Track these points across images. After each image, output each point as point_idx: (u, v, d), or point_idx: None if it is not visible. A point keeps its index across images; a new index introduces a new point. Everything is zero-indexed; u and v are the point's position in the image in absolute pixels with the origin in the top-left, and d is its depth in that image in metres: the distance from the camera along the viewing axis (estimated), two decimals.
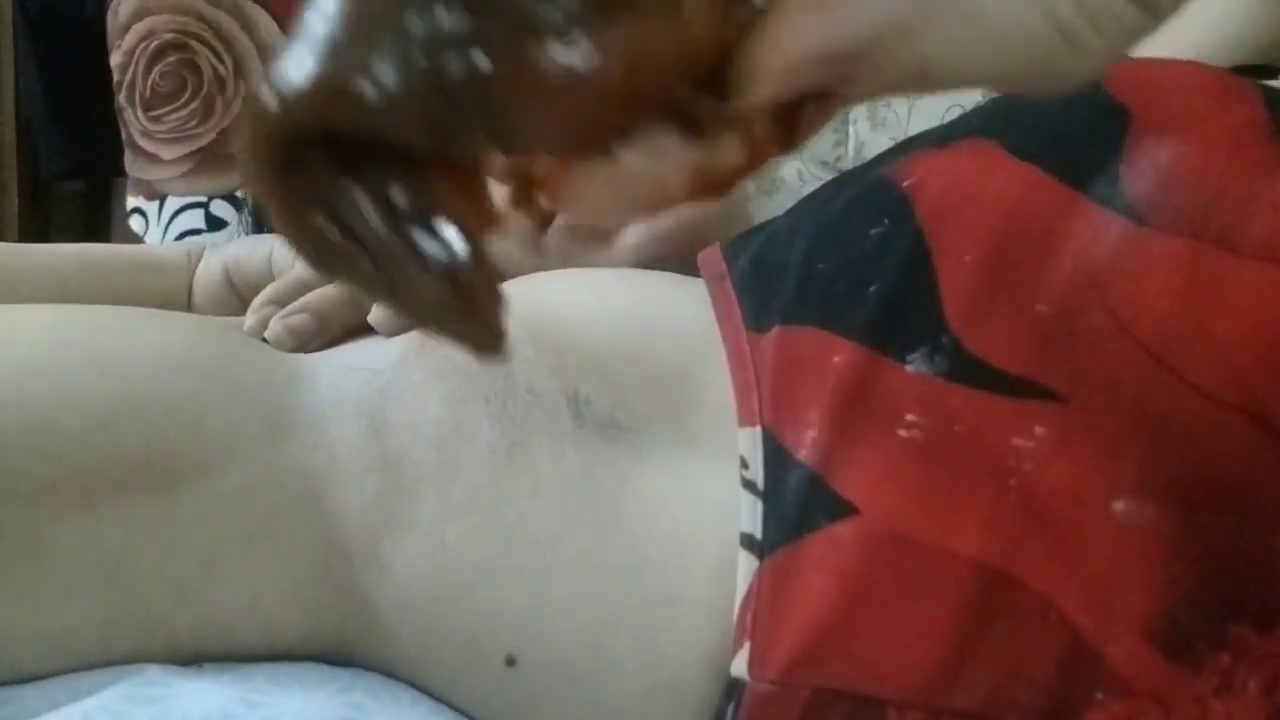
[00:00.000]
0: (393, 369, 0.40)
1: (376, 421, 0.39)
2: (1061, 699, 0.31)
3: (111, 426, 0.36)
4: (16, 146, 1.14)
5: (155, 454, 0.36)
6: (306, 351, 0.42)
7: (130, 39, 0.82)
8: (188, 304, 0.52)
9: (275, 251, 0.52)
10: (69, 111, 1.15)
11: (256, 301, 0.45)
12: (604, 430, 0.38)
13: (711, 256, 0.45)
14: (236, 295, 0.52)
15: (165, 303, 0.51)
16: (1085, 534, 0.32)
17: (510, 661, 0.36)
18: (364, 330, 0.43)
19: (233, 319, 0.45)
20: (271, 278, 0.50)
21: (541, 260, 0.52)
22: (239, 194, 0.80)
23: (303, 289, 0.45)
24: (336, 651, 0.38)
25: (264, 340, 0.43)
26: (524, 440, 0.38)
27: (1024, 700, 0.32)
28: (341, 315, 0.44)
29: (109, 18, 0.83)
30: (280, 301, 0.45)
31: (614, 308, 0.43)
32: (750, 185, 0.90)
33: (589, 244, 0.52)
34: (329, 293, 0.44)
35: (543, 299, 0.43)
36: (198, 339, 0.41)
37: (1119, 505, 0.32)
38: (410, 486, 0.37)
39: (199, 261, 0.54)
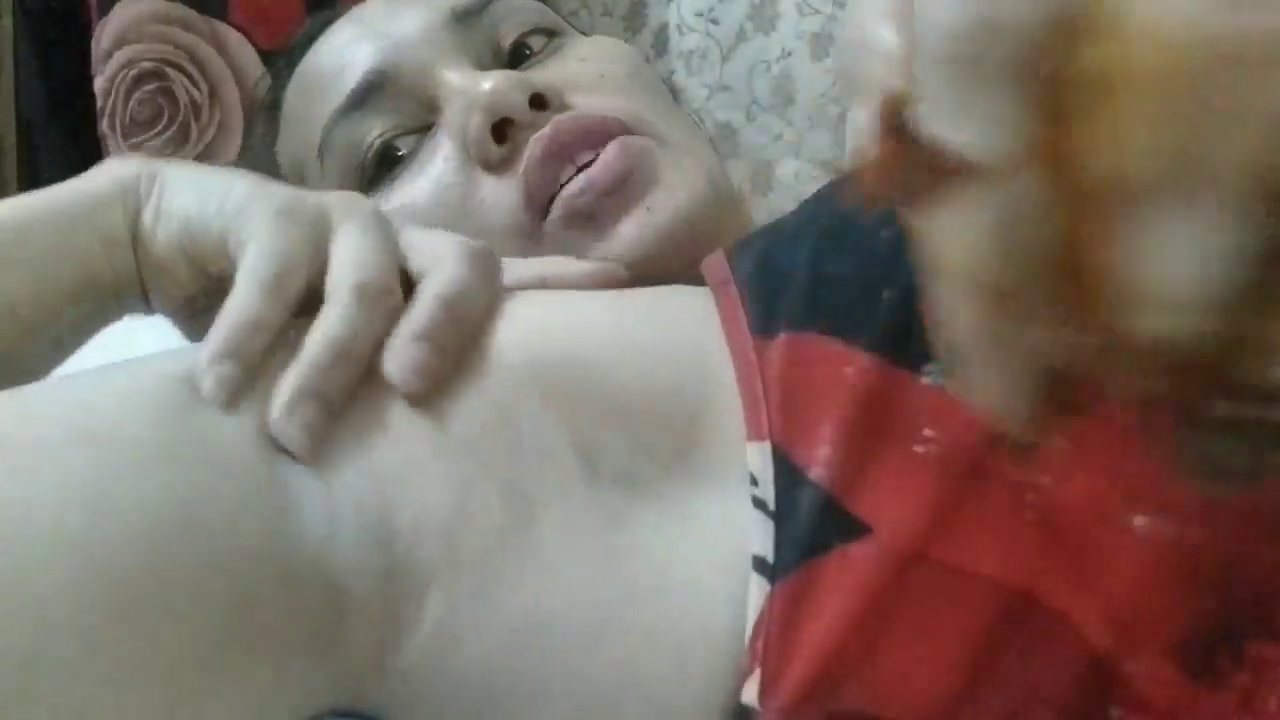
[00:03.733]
0: (392, 449, 0.36)
1: (380, 533, 0.35)
2: (1077, 716, 0.31)
3: (136, 622, 0.31)
4: (16, 146, 1.16)
5: (185, 647, 0.32)
6: (321, 448, 0.36)
7: (112, 66, 0.85)
8: (133, 258, 0.44)
9: (228, 227, 0.42)
10: (69, 111, 1.17)
11: (206, 353, 0.37)
12: (619, 483, 0.36)
13: (716, 261, 0.43)
14: (193, 267, 0.44)
15: (108, 263, 0.43)
16: (1105, 551, 0.32)
17: None
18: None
19: (182, 379, 0.37)
20: (227, 259, 0.41)
21: (538, 249, 0.52)
22: None
23: (258, 328, 0.37)
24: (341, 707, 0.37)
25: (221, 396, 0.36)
26: (533, 514, 0.35)
27: (1039, 719, 0.31)
28: (343, 385, 0.37)
29: (93, 44, 0.86)
30: (240, 357, 0.37)
31: (622, 332, 0.40)
32: (746, 185, 0.92)
33: (586, 235, 0.52)
34: (317, 362, 0.37)
35: (546, 331, 0.40)
36: (185, 494, 0.34)
37: (1139, 521, 0.31)
38: (417, 591, 0.35)
39: (136, 202, 0.44)
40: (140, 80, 0.84)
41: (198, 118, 0.83)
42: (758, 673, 0.33)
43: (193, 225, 0.43)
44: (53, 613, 0.31)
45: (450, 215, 0.54)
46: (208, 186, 0.44)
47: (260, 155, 0.67)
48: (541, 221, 0.53)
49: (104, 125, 0.86)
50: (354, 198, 0.45)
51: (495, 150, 0.53)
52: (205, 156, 0.83)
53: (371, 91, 0.57)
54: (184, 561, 0.32)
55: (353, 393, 0.37)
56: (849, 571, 0.33)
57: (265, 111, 0.67)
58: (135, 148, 0.84)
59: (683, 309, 0.42)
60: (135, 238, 0.43)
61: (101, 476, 0.33)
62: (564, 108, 0.55)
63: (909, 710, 0.32)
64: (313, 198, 0.43)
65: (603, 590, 0.35)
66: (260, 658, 0.33)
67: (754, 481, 0.35)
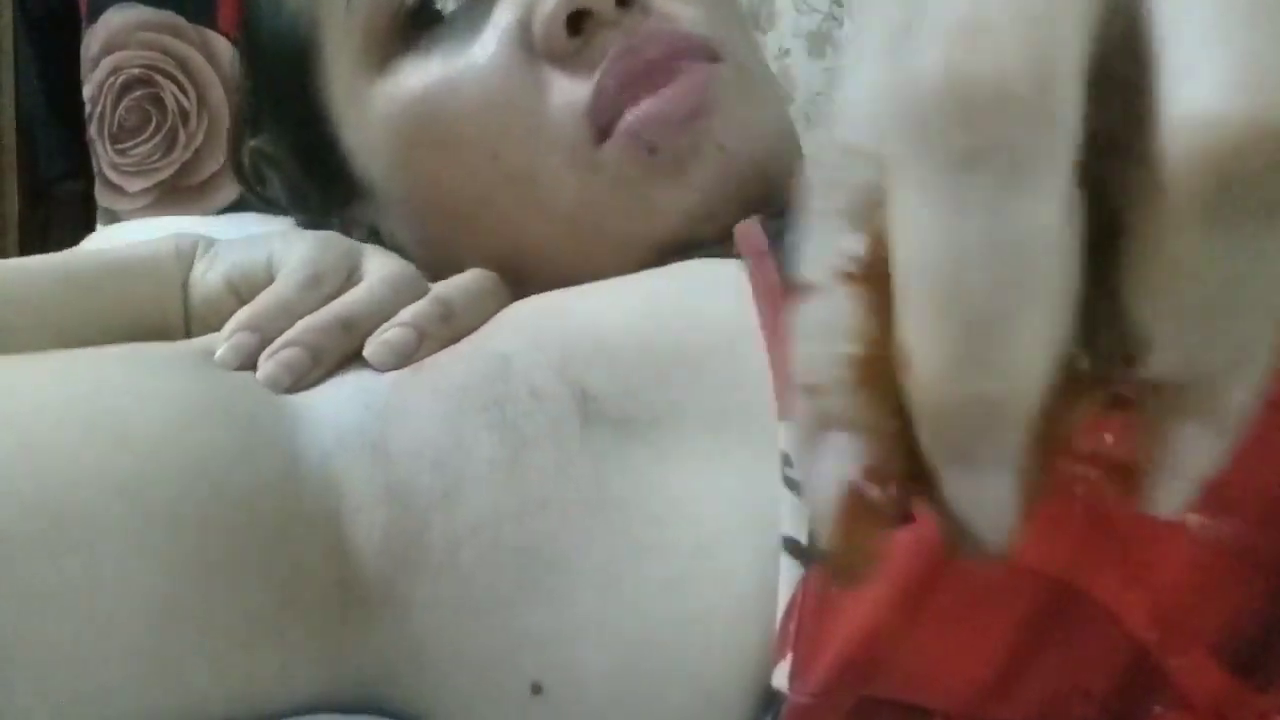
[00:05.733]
0: (391, 391, 0.39)
1: (379, 449, 0.37)
2: (1117, 712, 0.31)
3: (135, 499, 0.33)
4: (16, 146, 1.17)
5: (185, 526, 0.34)
6: (303, 387, 0.39)
7: (100, 73, 0.85)
8: (182, 304, 0.48)
9: (274, 253, 0.47)
10: (69, 111, 1.17)
11: (229, 327, 0.41)
12: (616, 428, 0.36)
13: (751, 230, 0.41)
14: (242, 302, 0.46)
15: (159, 308, 0.47)
16: (1156, 547, 0.31)
17: (536, 689, 0.35)
18: (358, 355, 0.41)
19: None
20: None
21: (595, 180, 0.48)
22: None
23: (284, 310, 0.42)
24: (353, 694, 0.37)
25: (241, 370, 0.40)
26: (526, 449, 0.36)
27: (1078, 712, 0.31)
28: (335, 344, 0.41)
29: (82, 50, 0.87)
30: (259, 328, 0.41)
31: (622, 293, 0.41)
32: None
33: (651, 171, 0.47)
34: (318, 321, 0.41)
35: (551, 297, 0.41)
36: (204, 385, 0.38)
37: (1193, 519, 0.31)
38: (419, 515, 0.36)
39: (191, 257, 0.49)
40: (128, 87, 0.84)
41: (185, 124, 0.84)
42: (789, 657, 0.32)
43: (242, 261, 0.47)
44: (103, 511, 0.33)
45: (501, 106, 0.48)
46: (256, 239, 0.49)
47: None
48: (600, 144, 0.47)
49: (91, 130, 0.87)
50: (384, 249, 0.49)
51: (567, 43, 0.47)
52: (193, 163, 0.84)
53: None
54: (197, 466, 0.35)
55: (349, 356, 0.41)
56: (889, 557, 0.31)
57: None
58: (122, 154, 0.85)
59: (706, 278, 0.41)
60: (186, 287, 0.48)
61: (143, 372, 0.38)
62: (649, 9, 0.49)
63: (946, 699, 0.31)
64: (347, 239, 0.48)
65: (606, 534, 0.35)
66: (270, 559, 0.35)
67: (787, 461, 0.34)
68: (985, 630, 0.31)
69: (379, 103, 0.51)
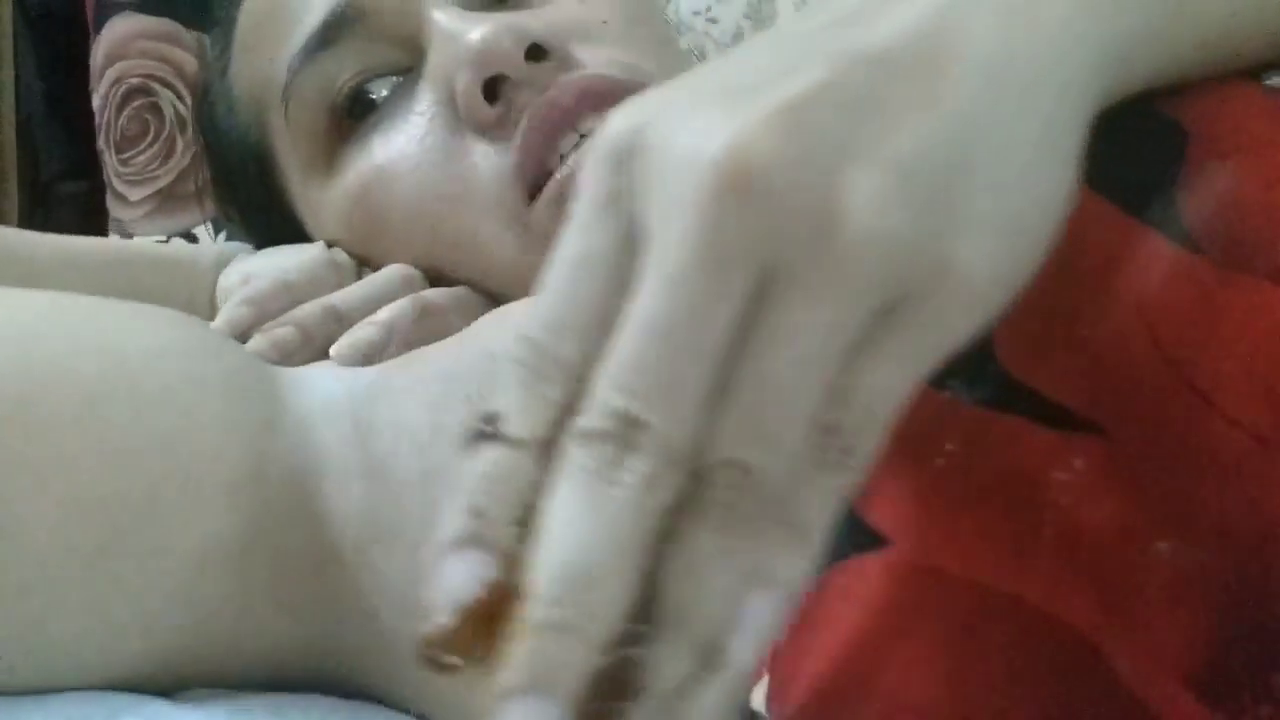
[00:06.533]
0: (377, 374, 0.41)
1: (361, 424, 0.38)
2: None
3: (102, 406, 0.35)
4: (16, 146, 1.17)
5: (146, 437, 0.35)
6: (289, 365, 0.42)
7: (104, 83, 0.87)
8: (209, 304, 0.52)
9: (285, 258, 0.50)
10: (69, 111, 1.17)
11: (232, 301, 0.45)
12: None
13: None
14: None
15: (190, 302, 0.51)
16: (1127, 575, 0.31)
17: None
18: None
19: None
20: None
21: (529, 238, 0.48)
22: (195, 231, 0.85)
23: (286, 291, 0.45)
24: (337, 672, 0.38)
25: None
26: None
27: None
28: (324, 331, 0.43)
29: (91, 61, 0.88)
30: (258, 304, 0.44)
31: None
32: None
33: None
34: (311, 307, 0.44)
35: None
36: (192, 333, 0.41)
37: (1163, 546, 0.30)
38: (396, 492, 0.37)
39: (226, 263, 0.53)
40: (129, 97, 0.85)
41: (183, 131, 0.85)
42: (766, 679, 0.32)
43: (256, 265, 0.52)
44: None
45: (434, 181, 0.50)
46: (276, 250, 0.54)
47: (212, 84, 0.60)
48: (530, 203, 0.48)
49: (100, 141, 0.88)
50: None
51: (488, 111, 0.48)
52: (191, 169, 0.85)
53: (342, 27, 0.51)
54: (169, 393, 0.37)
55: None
56: (865, 583, 0.32)
57: (220, 30, 0.60)
58: (125, 163, 0.86)
59: None
60: (214, 288, 0.53)
61: (134, 310, 0.41)
62: (565, 59, 0.49)
63: None
64: None
65: None
66: (238, 489, 0.36)
67: None
68: (956, 655, 0.31)
69: (330, 205, 0.53)
